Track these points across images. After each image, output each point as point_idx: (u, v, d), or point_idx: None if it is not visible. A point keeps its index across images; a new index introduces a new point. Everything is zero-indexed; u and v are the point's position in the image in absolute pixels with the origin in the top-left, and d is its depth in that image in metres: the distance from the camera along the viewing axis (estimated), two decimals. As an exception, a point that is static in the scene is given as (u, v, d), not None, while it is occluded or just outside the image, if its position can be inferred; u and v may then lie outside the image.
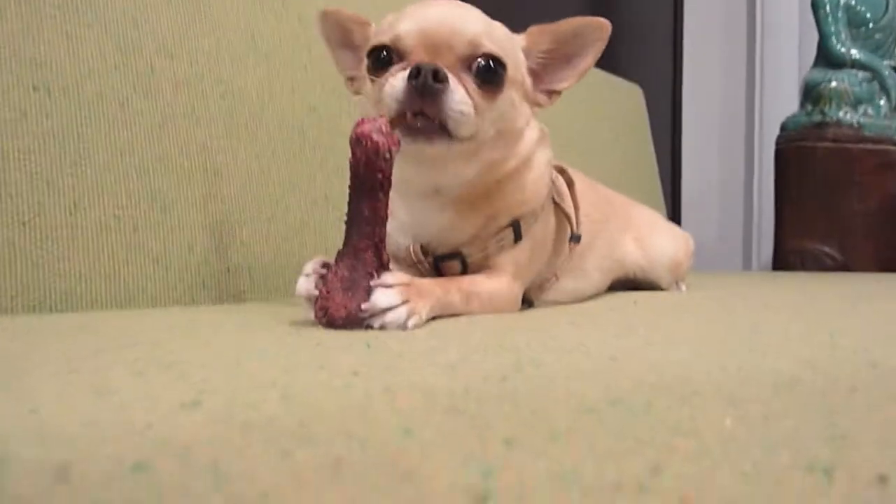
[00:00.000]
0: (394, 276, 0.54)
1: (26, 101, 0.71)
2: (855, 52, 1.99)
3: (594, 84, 1.86)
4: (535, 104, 0.69)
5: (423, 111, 0.57)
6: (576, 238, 0.78)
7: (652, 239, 1.01)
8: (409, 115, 0.57)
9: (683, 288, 1.06)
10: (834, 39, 1.99)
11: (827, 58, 2.02)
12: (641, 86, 2.05)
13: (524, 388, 0.32)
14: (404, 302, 0.52)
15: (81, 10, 0.77)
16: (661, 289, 1.02)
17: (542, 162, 0.71)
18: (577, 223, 0.79)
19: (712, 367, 0.38)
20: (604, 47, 0.67)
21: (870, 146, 1.92)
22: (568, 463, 0.22)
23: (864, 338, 0.49)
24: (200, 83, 0.86)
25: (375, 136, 0.53)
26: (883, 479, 0.20)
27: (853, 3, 2.04)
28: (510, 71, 0.62)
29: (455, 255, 0.67)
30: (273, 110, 0.94)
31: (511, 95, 0.64)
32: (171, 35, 0.85)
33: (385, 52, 0.61)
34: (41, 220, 0.70)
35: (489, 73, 0.60)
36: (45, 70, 0.73)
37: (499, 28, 0.65)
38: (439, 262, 0.67)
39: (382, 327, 0.51)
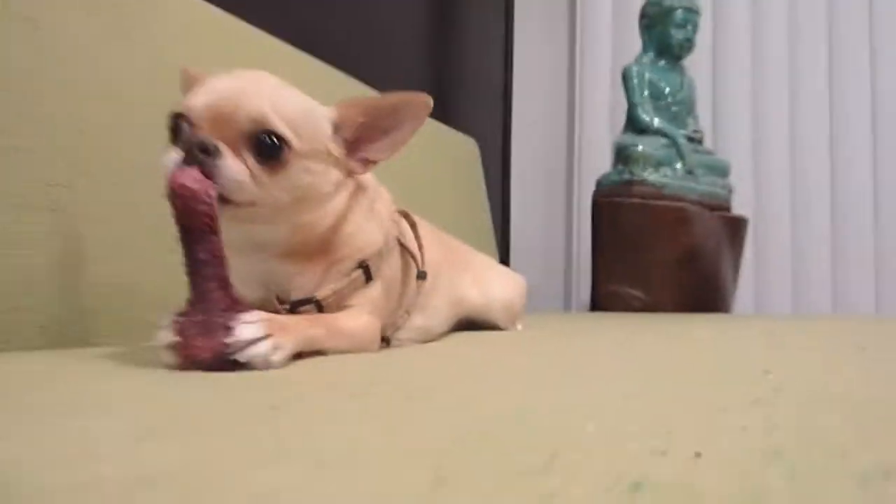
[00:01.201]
0: (254, 313, 0.55)
1: None
2: (657, 121, 2.28)
3: (433, 136, 1.96)
4: (348, 171, 0.70)
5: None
6: (422, 275, 0.83)
7: (489, 282, 1.09)
8: None
9: (519, 327, 1.15)
10: (640, 109, 2.27)
11: (634, 124, 2.30)
12: (474, 137, 2.20)
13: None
14: (268, 335, 0.54)
15: None
16: (500, 328, 1.10)
17: (362, 211, 0.73)
18: (421, 261, 0.84)
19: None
20: (421, 124, 0.70)
21: (668, 203, 2.20)
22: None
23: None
24: (42, 116, 0.82)
25: (191, 184, 0.55)
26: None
27: (655, 77, 2.34)
28: (297, 145, 0.63)
29: (309, 300, 0.68)
30: (119, 148, 0.91)
31: (305, 165, 0.64)
32: (19, 65, 0.80)
33: (182, 120, 0.62)
34: None
35: (270, 149, 0.61)
36: None
37: (293, 103, 0.66)
38: (295, 308, 0.68)
39: (247, 363, 0.52)
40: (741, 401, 0.38)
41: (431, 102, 0.70)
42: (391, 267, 0.78)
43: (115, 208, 0.88)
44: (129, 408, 0.39)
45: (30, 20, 0.83)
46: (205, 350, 0.52)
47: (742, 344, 0.83)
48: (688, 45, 2.38)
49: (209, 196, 0.54)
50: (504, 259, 2.57)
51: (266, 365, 0.53)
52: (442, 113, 2.17)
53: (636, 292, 2.22)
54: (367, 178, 0.75)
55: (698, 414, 0.36)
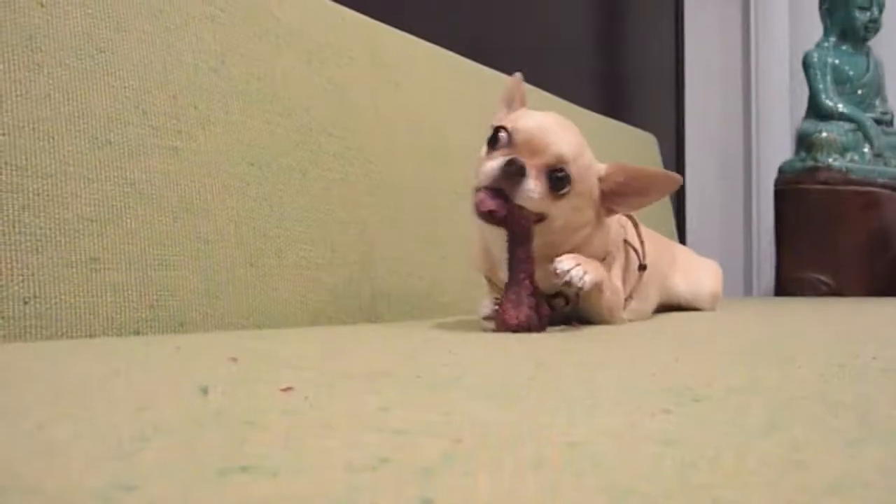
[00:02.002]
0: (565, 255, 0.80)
1: (246, 174, 0.97)
2: (841, 106, 2.29)
3: (613, 134, 2.14)
4: (598, 214, 0.89)
5: (503, 188, 0.77)
6: (643, 267, 1.04)
7: (696, 275, 1.27)
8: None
9: (717, 310, 1.32)
10: (823, 95, 2.30)
11: (817, 111, 2.32)
12: (649, 129, 2.34)
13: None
14: (578, 265, 0.79)
15: (275, 103, 1.03)
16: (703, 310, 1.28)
17: (598, 238, 0.90)
18: (643, 256, 1.04)
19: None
20: (664, 196, 0.88)
21: (856, 188, 2.21)
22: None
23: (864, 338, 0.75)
24: (348, 153, 1.13)
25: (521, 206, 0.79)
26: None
27: (838, 62, 2.35)
28: (576, 188, 0.82)
29: (559, 294, 0.87)
30: (394, 172, 1.21)
31: (575, 202, 0.83)
32: (329, 117, 1.11)
33: (503, 133, 0.83)
34: (261, 261, 0.96)
35: (559, 182, 0.81)
36: (256, 150, 0.99)
37: (585, 157, 0.85)
38: (549, 300, 0.87)
39: (568, 282, 0.77)
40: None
41: (681, 181, 0.88)
42: (620, 261, 0.98)
43: (397, 222, 1.18)
44: (525, 345, 0.62)
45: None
46: (514, 318, 0.77)
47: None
48: (872, 26, 2.36)
49: (530, 217, 0.78)
50: (682, 248, 2.69)
51: (580, 283, 0.77)
52: (617, 109, 2.33)
53: (824, 277, 2.26)
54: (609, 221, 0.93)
55: (877, 343, 0.55)
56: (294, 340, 0.68)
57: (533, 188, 0.78)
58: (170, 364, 0.47)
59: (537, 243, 0.81)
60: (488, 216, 0.78)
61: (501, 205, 0.77)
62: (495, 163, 0.79)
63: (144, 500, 0.18)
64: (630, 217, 1.06)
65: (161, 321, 0.84)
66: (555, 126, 0.85)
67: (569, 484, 0.19)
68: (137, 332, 0.82)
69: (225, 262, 0.92)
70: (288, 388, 0.35)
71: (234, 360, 0.50)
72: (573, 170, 0.82)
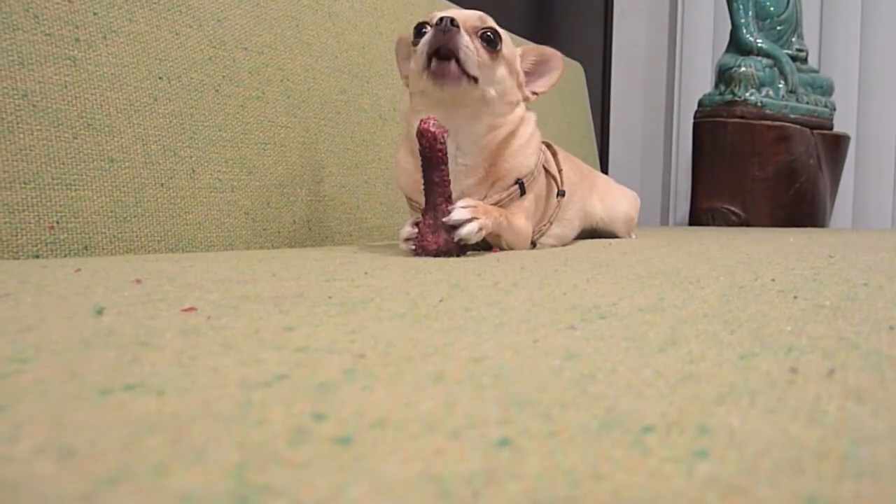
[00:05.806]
0: (466, 200, 0.79)
1: (154, 88, 0.91)
2: (760, 42, 2.34)
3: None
4: (524, 97, 0.96)
5: (444, 45, 0.82)
6: (561, 193, 1.05)
7: (612, 199, 1.30)
8: (434, 61, 0.83)
9: (633, 236, 1.36)
10: (744, 30, 2.34)
11: (737, 45, 2.37)
12: (576, 59, 2.34)
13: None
14: (474, 218, 0.78)
15: (185, 13, 0.96)
16: (619, 237, 1.31)
17: (527, 134, 0.95)
18: (561, 182, 1.06)
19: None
20: (562, 72, 0.98)
21: (769, 122, 2.29)
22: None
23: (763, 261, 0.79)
24: (266, 70, 1.07)
25: (433, 129, 0.77)
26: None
27: (760, -3, 2.39)
28: (505, 49, 0.89)
29: None
30: (315, 92, 1.16)
31: (505, 71, 0.90)
32: (244, 31, 1.05)
33: (424, 27, 0.86)
34: (172, 182, 0.91)
35: (492, 40, 0.87)
36: (165, 63, 0.93)
37: (505, 34, 0.91)
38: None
39: (462, 239, 0.76)
40: (806, 266, 0.59)
41: (561, 60, 0.99)
42: (539, 186, 0.99)
43: (318, 144, 1.14)
44: (443, 268, 0.63)
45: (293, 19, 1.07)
46: (432, 244, 0.76)
47: (819, 245, 1.02)
48: (795, -39, 2.39)
49: (444, 138, 0.77)
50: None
51: (472, 238, 0.77)
52: (545, 37, 2.31)
53: (734, 208, 2.35)
54: (530, 115, 0.97)
55: (778, 268, 0.58)
56: (206, 263, 0.66)
57: (469, 43, 0.84)
58: (67, 285, 0.45)
59: (474, 138, 0.87)
60: (442, 76, 0.82)
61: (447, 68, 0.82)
62: (428, 33, 0.83)
63: (12, 421, 0.17)
64: (549, 145, 1.06)
65: (63, 244, 0.80)
66: (472, 10, 0.90)
67: (467, 396, 0.19)
68: (37, 256, 0.78)
69: (133, 182, 0.87)
70: (190, 309, 0.34)
71: (139, 281, 0.47)
72: (499, 30, 0.88)
